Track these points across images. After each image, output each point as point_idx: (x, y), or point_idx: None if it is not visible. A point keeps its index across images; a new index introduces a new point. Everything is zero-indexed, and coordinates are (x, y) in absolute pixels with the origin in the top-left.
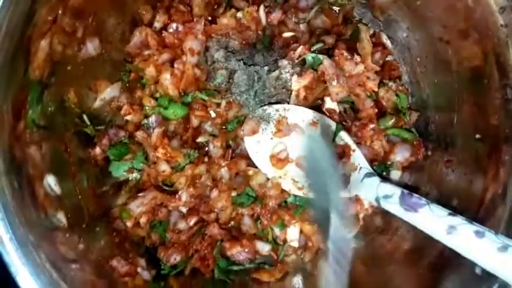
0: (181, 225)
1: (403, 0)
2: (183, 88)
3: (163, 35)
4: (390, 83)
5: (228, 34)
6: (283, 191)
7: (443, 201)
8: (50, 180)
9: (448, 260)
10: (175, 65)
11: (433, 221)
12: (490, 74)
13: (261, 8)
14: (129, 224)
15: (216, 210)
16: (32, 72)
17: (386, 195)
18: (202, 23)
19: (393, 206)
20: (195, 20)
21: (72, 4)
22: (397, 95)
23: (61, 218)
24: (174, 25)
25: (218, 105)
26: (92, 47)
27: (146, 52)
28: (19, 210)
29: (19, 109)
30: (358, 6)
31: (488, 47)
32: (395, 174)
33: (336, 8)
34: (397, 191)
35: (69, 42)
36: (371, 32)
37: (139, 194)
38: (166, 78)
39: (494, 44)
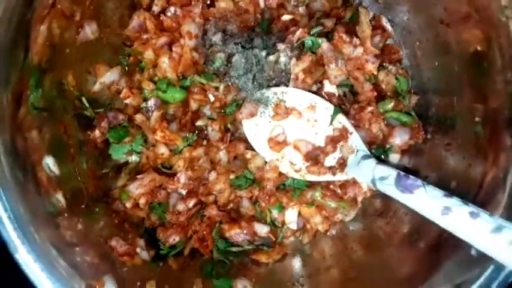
0: (180, 206)
1: None
2: (181, 71)
3: (161, 18)
4: (390, 66)
5: (226, 17)
6: (281, 173)
7: (442, 184)
8: (49, 161)
9: (445, 241)
10: (174, 49)
11: (428, 202)
12: (491, 56)
13: None
14: (128, 205)
15: (214, 192)
16: (32, 58)
17: (382, 177)
18: (200, 6)
19: (389, 188)
20: (192, 3)
21: None
22: (396, 79)
23: (60, 198)
24: (172, 8)
25: (216, 88)
26: (90, 30)
27: (145, 36)
28: (18, 190)
29: (20, 94)
30: None
31: (490, 29)
32: (394, 158)
33: None
34: (392, 173)
35: (67, 26)
36: (371, 15)
37: (138, 176)
38: (164, 61)
39: (496, 26)
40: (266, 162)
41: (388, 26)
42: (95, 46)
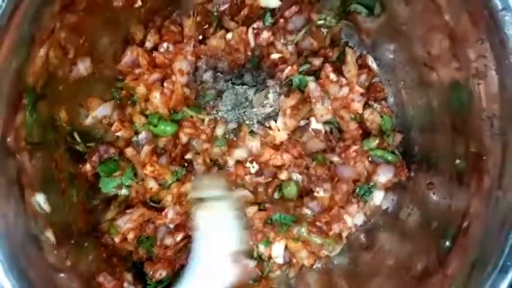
0: (168, 240)
1: (389, 25)
2: (172, 106)
3: (154, 54)
4: (375, 105)
5: (218, 55)
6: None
7: (425, 222)
8: (40, 199)
9: (430, 275)
10: (165, 84)
11: None
12: (470, 100)
13: (250, 30)
14: (116, 239)
15: None
16: (28, 76)
17: None
18: (192, 45)
19: None
20: (185, 40)
21: (68, 20)
22: (381, 117)
23: (49, 236)
24: (164, 45)
25: (203, 121)
26: (83, 67)
27: (137, 71)
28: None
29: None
30: (345, 28)
31: (469, 76)
32: (378, 195)
33: (324, 30)
34: None
35: (61, 62)
36: (357, 54)
37: (128, 211)
38: (156, 96)
39: (474, 74)
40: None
41: (374, 65)
42: (87, 81)
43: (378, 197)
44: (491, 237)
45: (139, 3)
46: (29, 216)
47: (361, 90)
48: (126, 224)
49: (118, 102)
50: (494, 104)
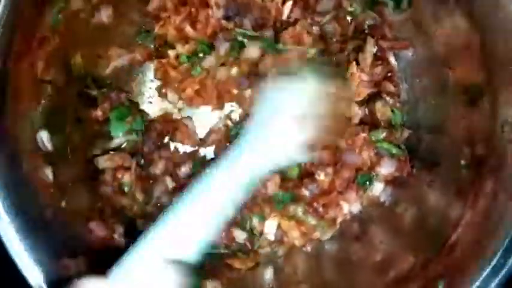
0: (165, 198)
1: (413, 21)
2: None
3: None
4: (388, 98)
5: (249, 8)
6: None
7: (420, 219)
8: (43, 135)
9: (415, 275)
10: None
11: None
12: (485, 104)
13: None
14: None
15: None
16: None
17: None
18: None
19: None
20: None
21: None
22: (392, 111)
23: (48, 173)
24: None
25: None
26: (105, 14)
27: (163, 15)
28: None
29: None
30: (369, 19)
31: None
32: (378, 186)
33: (349, 18)
34: None
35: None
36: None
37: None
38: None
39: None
40: None
41: (392, 59)
42: (109, 30)
43: (377, 189)
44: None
45: None
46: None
47: (366, 78)
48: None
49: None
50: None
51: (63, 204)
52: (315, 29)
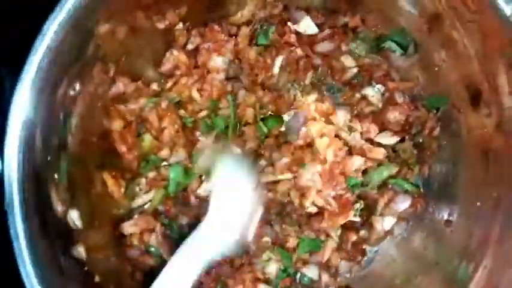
0: None
1: (420, 64)
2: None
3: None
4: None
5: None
6: None
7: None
8: (73, 215)
9: None
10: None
11: None
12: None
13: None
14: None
15: None
16: None
17: None
18: (233, 43)
19: None
20: (226, 38)
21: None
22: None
23: (81, 251)
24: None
25: None
26: (122, 84)
27: (178, 72)
28: None
29: None
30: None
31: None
32: (389, 221)
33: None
34: None
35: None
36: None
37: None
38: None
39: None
40: None
41: (401, 100)
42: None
43: (389, 223)
44: None
45: (180, 25)
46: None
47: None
48: (131, 227)
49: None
50: None
51: (97, 279)
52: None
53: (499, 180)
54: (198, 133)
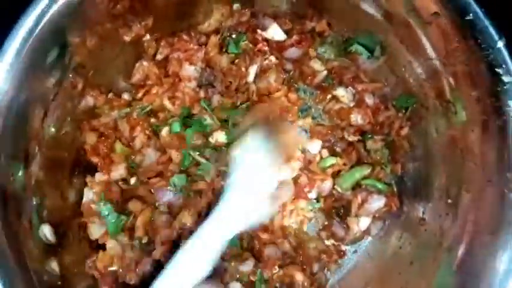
0: None
1: (387, 67)
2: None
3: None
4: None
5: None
6: None
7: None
8: (46, 230)
9: None
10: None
11: None
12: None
13: (254, 66)
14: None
15: None
16: None
17: None
18: (203, 52)
19: None
20: (195, 47)
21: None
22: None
23: (55, 267)
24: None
25: None
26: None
27: (148, 82)
28: None
29: None
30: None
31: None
32: (364, 221)
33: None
34: None
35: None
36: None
37: None
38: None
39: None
40: None
41: (371, 101)
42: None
43: (365, 224)
44: None
45: (147, 36)
46: None
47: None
48: None
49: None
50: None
51: None
52: None
53: (469, 178)
54: None
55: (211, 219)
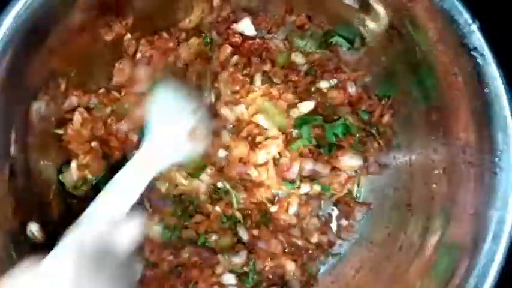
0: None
1: (367, 58)
2: None
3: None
4: None
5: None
6: None
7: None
8: (33, 227)
9: None
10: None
11: None
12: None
13: None
14: None
15: None
16: None
17: None
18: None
19: None
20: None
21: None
22: None
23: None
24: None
25: None
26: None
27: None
28: None
29: None
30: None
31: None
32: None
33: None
34: None
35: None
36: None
37: None
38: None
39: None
40: None
41: (353, 89)
42: None
43: None
44: None
45: (128, 35)
46: None
47: None
48: None
49: None
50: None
51: None
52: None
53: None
54: None
55: (131, 163)
